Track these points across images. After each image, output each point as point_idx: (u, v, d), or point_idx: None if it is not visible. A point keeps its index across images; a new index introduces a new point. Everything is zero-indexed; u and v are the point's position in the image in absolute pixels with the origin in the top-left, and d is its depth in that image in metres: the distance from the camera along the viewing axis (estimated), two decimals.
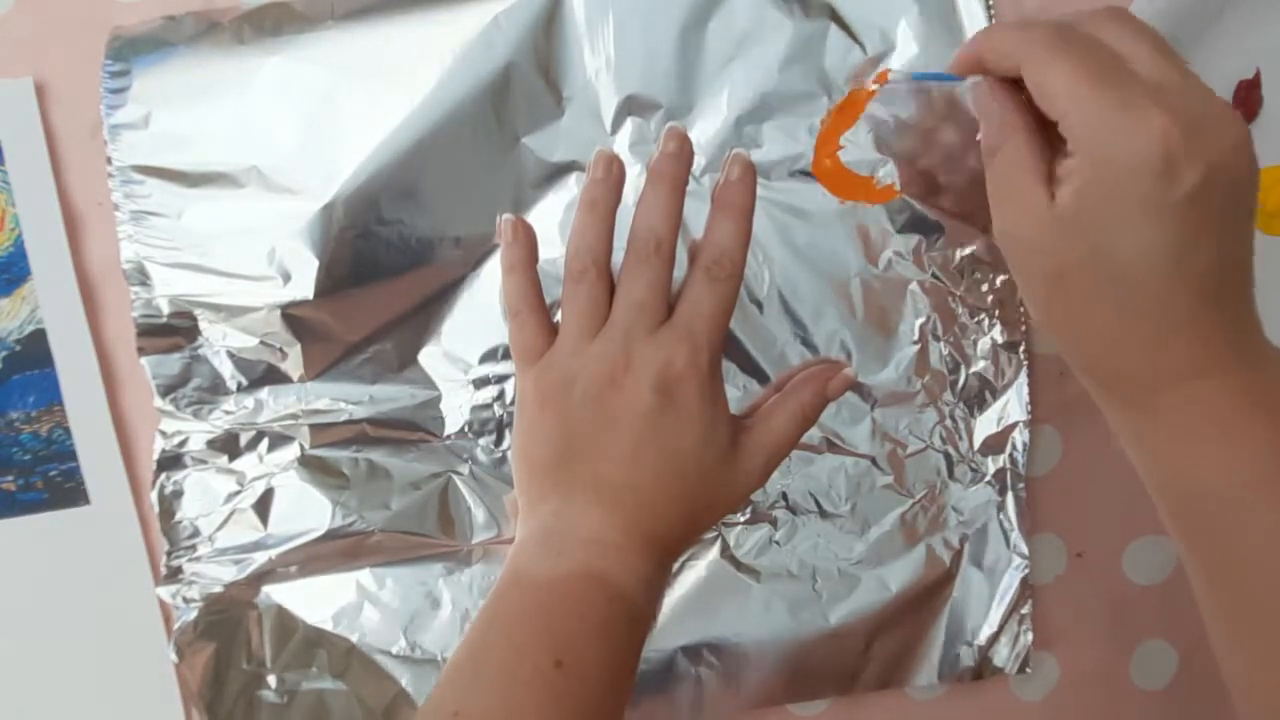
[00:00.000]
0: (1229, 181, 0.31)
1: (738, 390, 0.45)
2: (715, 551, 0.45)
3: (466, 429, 0.45)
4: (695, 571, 0.45)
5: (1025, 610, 0.46)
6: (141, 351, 0.45)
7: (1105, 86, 0.31)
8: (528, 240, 0.42)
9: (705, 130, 0.43)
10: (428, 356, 0.45)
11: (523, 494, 0.41)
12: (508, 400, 0.44)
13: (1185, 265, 0.32)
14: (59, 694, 0.48)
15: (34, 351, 0.46)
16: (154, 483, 0.46)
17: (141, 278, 0.44)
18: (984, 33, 0.36)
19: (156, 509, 0.46)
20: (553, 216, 0.44)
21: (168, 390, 0.45)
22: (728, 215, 0.40)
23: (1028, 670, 0.46)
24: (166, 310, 0.45)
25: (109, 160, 0.44)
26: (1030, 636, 0.46)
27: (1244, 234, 0.34)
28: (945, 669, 0.46)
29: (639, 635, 0.39)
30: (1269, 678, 0.34)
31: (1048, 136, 0.33)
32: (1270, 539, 0.33)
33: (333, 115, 0.44)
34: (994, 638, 0.46)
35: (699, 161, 0.43)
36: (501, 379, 0.45)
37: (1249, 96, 0.44)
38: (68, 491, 0.47)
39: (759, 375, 0.45)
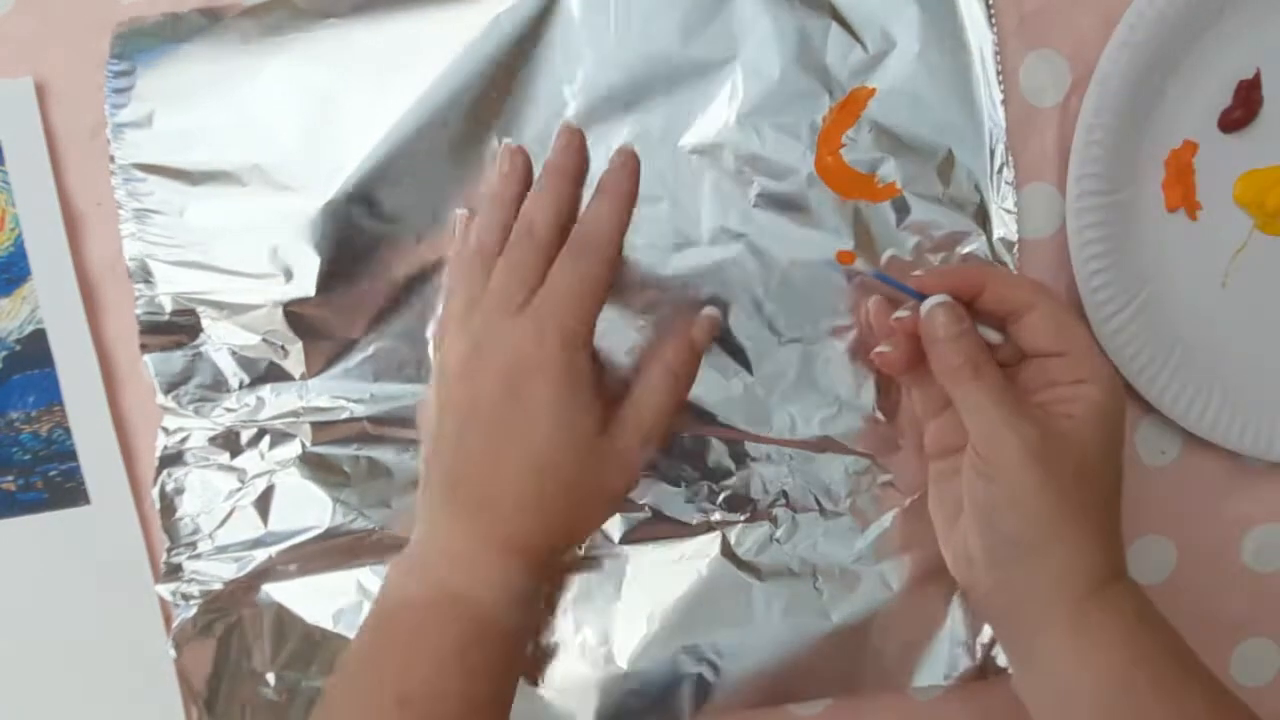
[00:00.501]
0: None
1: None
2: (716, 550, 0.45)
3: None
4: (695, 570, 0.45)
5: None
6: (144, 349, 0.45)
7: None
8: (461, 233, 0.42)
9: (707, 128, 0.43)
10: (429, 354, 0.45)
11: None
12: None
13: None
14: (59, 694, 0.48)
15: (34, 351, 0.46)
16: (155, 479, 0.46)
17: (144, 275, 0.45)
18: (980, 269, 0.42)
19: (158, 505, 0.46)
20: None
21: (170, 387, 0.45)
22: (603, 197, 0.40)
23: None
24: (169, 308, 0.45)
25: (112, 159, 0.44)
26: None
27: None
28: (948, 669, 0.46)
29: (508, 650, 0.38)
30: None
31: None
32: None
33: (335, 113, 0.44)
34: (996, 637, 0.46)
35: (703, 160, 0.43)
36: None
37: (1249, 96, 0.44)
38: (68, 491, 0.47)
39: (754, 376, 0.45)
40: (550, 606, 0.45)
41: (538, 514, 0.38)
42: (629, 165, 0.40)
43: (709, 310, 0.42)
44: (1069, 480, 0.37)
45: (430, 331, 0.44)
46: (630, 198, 0.40)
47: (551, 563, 0.40)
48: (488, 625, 0.38)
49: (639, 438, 0.40)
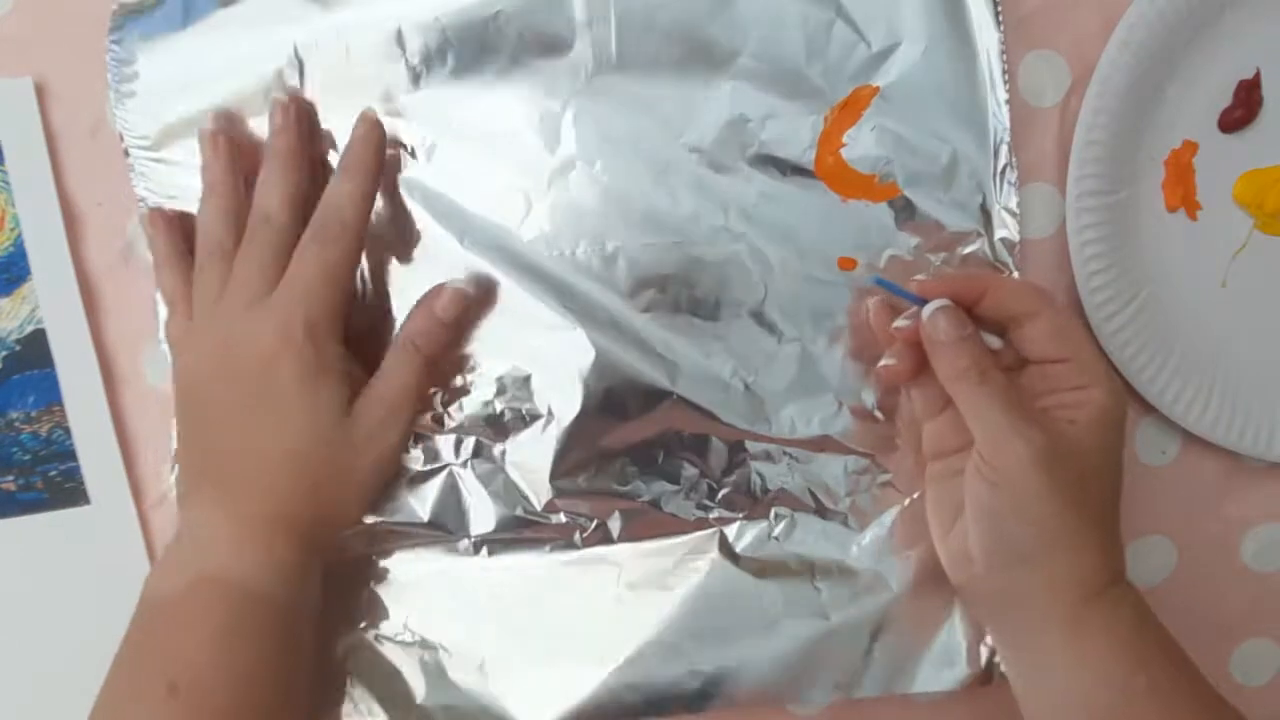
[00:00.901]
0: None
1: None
2: (714, 548, 0.45)
3: (467, 424, 0.45)
4: (693, 568, 0.45)
5: None
6: (162, 342, 0.45)
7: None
8: (168, 229, 0.42)
9: (709, 126, 0.43)
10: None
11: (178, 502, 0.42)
12: (509, 395, 0.44)
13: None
14: (59, 694, 0.48)
15: (34, 351, 0.46)
16: (173, 467, 0.45)
17: None
18: (980, 275, 0.42)
19: (175, 493, 0.45)
20: (559, 210, 0.44)
21: None
22: (344, 175, 0.40)
23: None
24: None
25: (126, 153, 0.45)
26: None
27: None
28: (950, 671, 0.46)
29: (284, 626, 0.39)
30: None
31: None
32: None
33: None
34: None
35: (704, 158, 0.43)
36: (502, 374, 0.44)
37: (1249, 96, 0.44)
38: (68, 491, 0.47)
39: (754, 375, 0.45)
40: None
41: (293, 494, 0.39)
42: (370, 138, 0.41)
43: (457, 282, 0.42)
44: (1074, 487, 0.37)
45: (163, 329, 0.44)
46: (374, 174, 0.40)
47: (319, 536, 0.41)
48: (256, 602, 0.38)
49: (382, 411, 0.41)
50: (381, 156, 0.41)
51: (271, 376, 0.38)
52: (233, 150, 0.42)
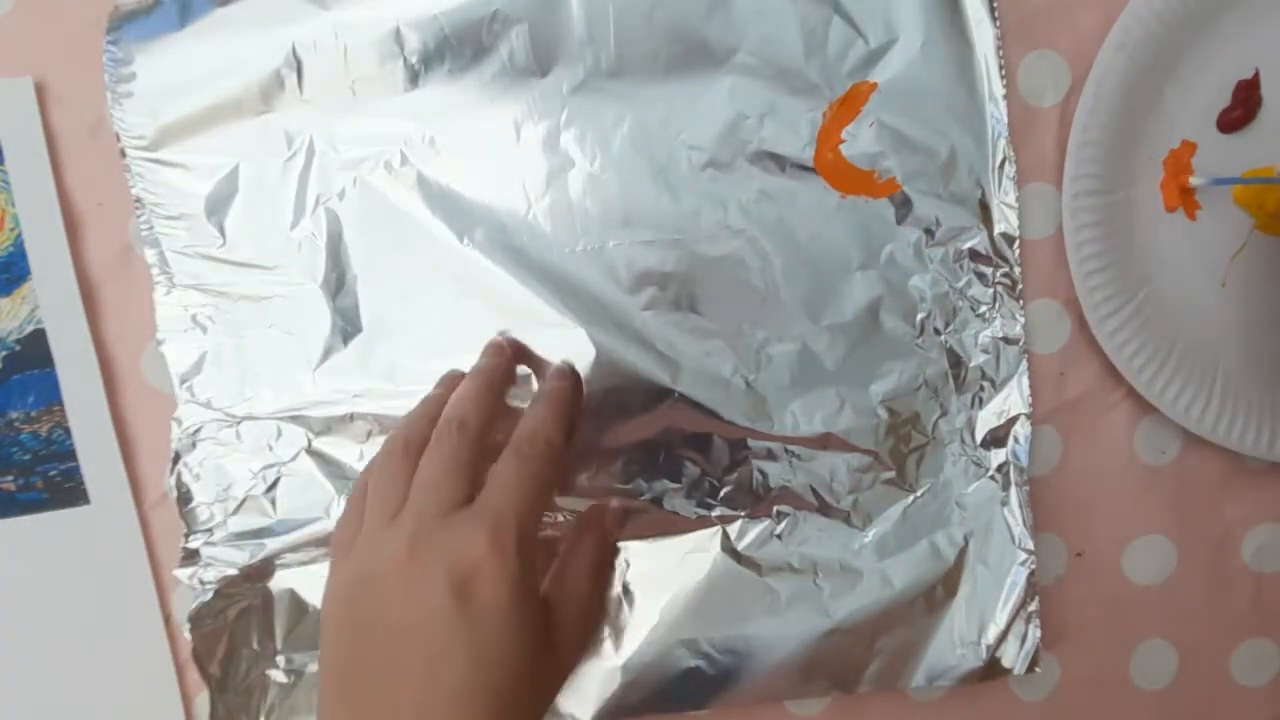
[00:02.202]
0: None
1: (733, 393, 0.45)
2: (716, 546, 0.45)
3: None
4: (695, 565, 0.45)
5: (1032, 608, 0.46)
6: (160, 342, 0.46)
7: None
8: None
9: (707, 123, 0.43)
10: (432, 350, 0.45)
11: None
12: (509, 394, 0.44)
13: None
14: (58, 694, 0.48)
15: (34, 351, 0.46)
16: (172, 468, 0.46)
17: (164, 267, 0.45)
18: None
19: (174, 493, 0.46)
20: (558, 209, 0.44)
21: (184, 379, 0.46)
22: (544, 402, 0.40)
23: (1037, 670, 0.46)
24: (183, 301, 0.45)
25: (123, 153, 0.45)
26: (1039, 634, 0.46)
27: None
28: (952, 669, 0.46)
29: None
30: None
31: None
32: None
33: None
34: (1002, 636, 0.45)
35: (703, 155, 0.43)
36: None
37: (1249, 96, 0.44)
38: (68, 491, 0.47)
39: (755, 374, 0.45)
40: None
41: None
42: (569, 378, 0.41)
43: (613, 503, 0.44)
44: None
45: (334, 526, 0.42)
46: (572, 406, 0.40)
47: None
48: None
49: (576, 638, 0.39)
50: (579, 394, 0.41)
51: (477, 588, 0.33)
52: (497, 383, 0.41)
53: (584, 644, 0.39)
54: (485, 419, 0.39)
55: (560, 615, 0.38)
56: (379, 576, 0.34)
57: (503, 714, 0.33)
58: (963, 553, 0.46)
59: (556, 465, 0.38)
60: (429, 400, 0.41)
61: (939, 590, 0.46)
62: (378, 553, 0.35)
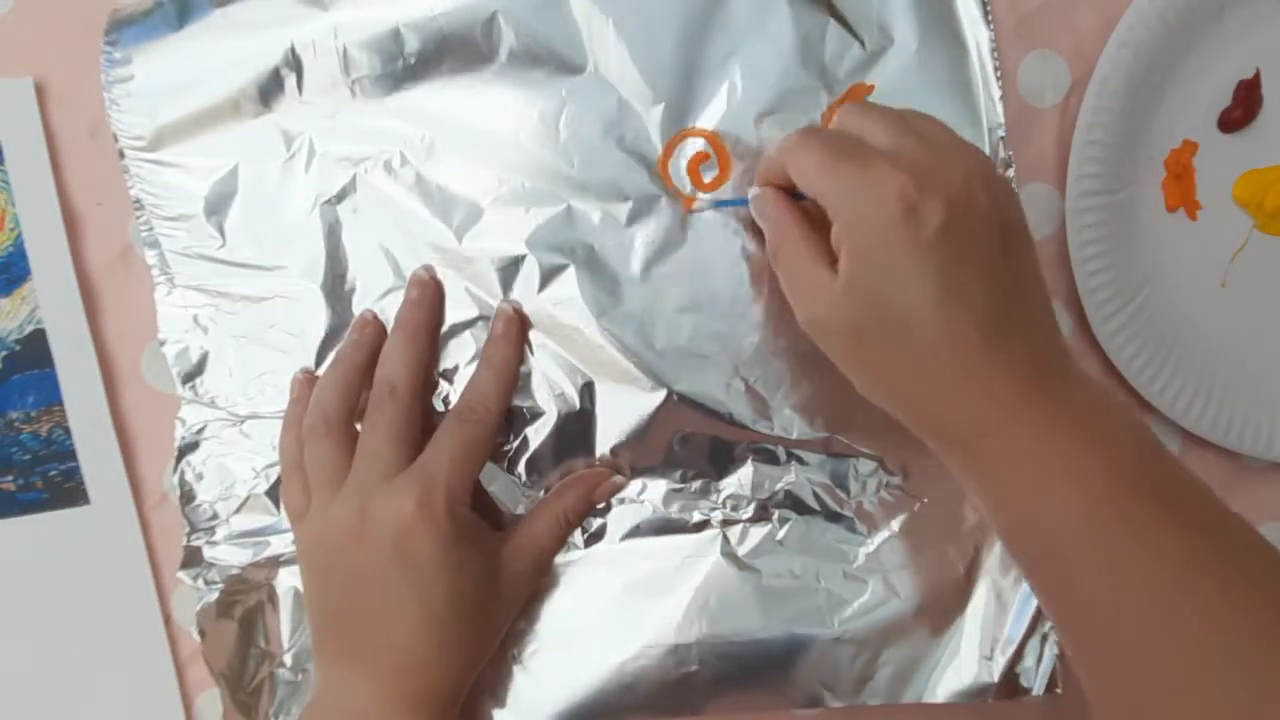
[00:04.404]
0: (968, 213, 0.33)
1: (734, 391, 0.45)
2: (716, 550, 0.45)
3: None
4: (695, 570, 0.45)
5: (1046, 628, 0.44)
6: (162, 343, 0.46)
7: (844, 158, 0.34)
8: (300, 395, 0.43)
9: (705, 126, 0.43)
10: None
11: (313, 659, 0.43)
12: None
13: (956, 304, 0.33)
14: (59, 694, 0.48)
15: (34, 351, 0.46)
16: (175, 467, 0.46)
17: (164, 267, 0.45)
18: (772, 159, 0.39)
19: (178, 492, 0.46)
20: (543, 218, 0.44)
21: (187, 379, 0.46)
22: (487, 365, 0.42)
23: (1058, 690, 0.44)
24: (184, 301, 0.45)
25: (121, 154, 0.45)
26: (1056, 652, 0.44)
27: (1018, 265, 0.34)
28: (959, 681, 0.44)
29: None
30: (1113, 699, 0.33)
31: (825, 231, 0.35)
32: (1097, 577, 0.32)
33: None
34: (1018, 653, 0.44)
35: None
36: None
37: (1249, 96, 0.44)
38: (68, 491, 0.47)
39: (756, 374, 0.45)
40: None
41: (440, 664, 0.40)
42: (510, 333, 0.42)
43: (618, 478, 0.44)
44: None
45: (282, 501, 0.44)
46: (513, 367, 0.42)
47: (458, 697, 0.41)
48: None
49: (526, 562, 0.42)
50: (521, 350, 0.43)
51: (414, 545, 0.38)
52: (379, 333, 0.43)
53: (534, 569, 0.43)
54: (415, 376, 0.41)
55: (513, 543, 0.42)
56: (337, 540, 0.39)
57: (452, 645, 0.39)
58: (972, 565, 0.45)
59: (494, 429, 0.42)
60: (341, 361, 0.43)
61: (947, 602, 0.45)
62: (332, 521, 0.40)
